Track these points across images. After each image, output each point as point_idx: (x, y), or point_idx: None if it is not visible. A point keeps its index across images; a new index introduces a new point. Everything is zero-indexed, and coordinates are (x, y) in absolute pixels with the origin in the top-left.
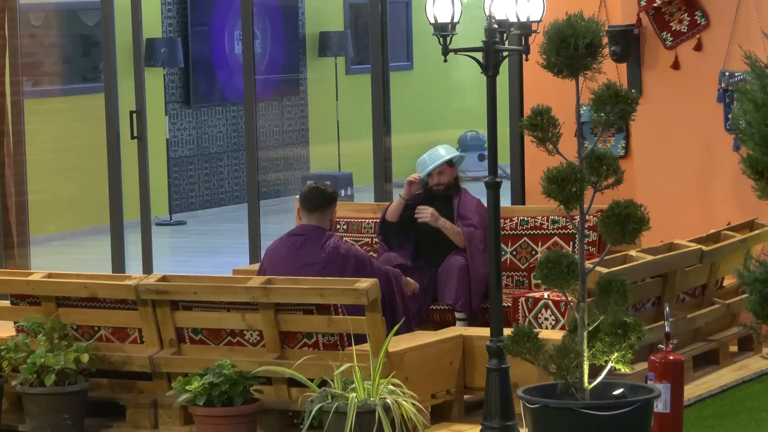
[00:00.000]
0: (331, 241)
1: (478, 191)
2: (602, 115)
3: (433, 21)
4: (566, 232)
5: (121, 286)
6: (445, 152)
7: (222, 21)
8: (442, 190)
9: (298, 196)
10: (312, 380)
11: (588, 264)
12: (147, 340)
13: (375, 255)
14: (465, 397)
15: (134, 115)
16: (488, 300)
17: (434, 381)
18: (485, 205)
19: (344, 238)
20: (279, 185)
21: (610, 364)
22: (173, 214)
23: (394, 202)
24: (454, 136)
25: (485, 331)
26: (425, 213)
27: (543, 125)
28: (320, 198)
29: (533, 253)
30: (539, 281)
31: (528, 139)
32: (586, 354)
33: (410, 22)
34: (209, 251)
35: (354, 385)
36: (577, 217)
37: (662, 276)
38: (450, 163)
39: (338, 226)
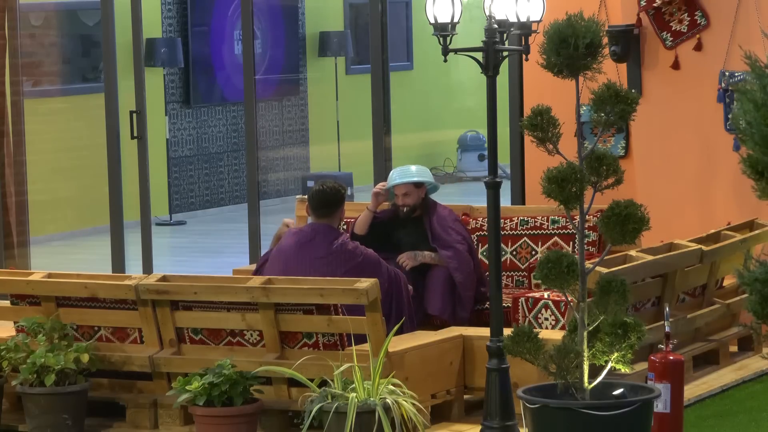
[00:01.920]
0: (341, 238)
1: (478, 191)
2: (602, 115)
3: (433, 21)
4: (566, 232)
5: (121, 286)
6: (416, 172)
7: (222, 21)
8: (406, 212)
9: (298, 196)
10: (312, 380)
11: (588, 264)
12: (147, 340)
13: None
14: (465, 397)
15: (134, 115)
16: (484, 303)
17: (434, 381)
18: (456, 215)
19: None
20: (279, 185)
21: (610, 364)
22: (173, 214)
23: (361, 215)
24: (454, 136)
25: (485, 331)
26: (404, 260)
27: (543, 125)
28: (328, 199)
29: (533, 253)
30: (539, 281)
31: (528, 139)
32: (586, 354)
33: (410, 22)
34: (209, 251)
35: (354, 385)
36: (577, 217)
37: (662, 276)
38: (417, 185)
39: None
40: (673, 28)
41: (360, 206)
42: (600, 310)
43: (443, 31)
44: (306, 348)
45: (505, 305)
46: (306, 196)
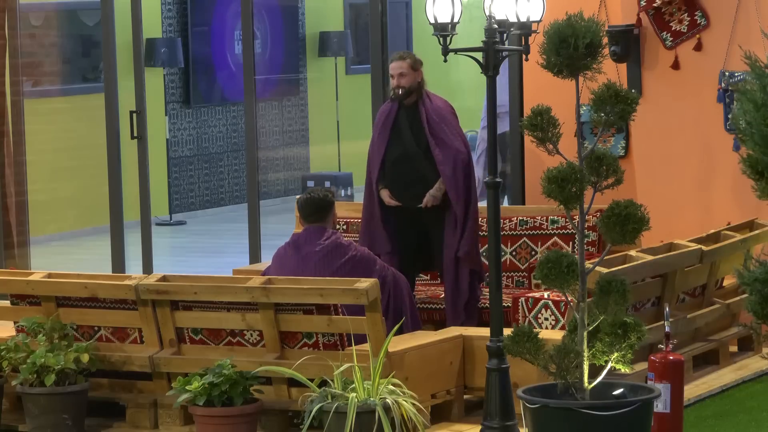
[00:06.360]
0: (334, 235)
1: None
2: (602, 115)
3: (433, 21)
4: (566, 232)
5: (121, 286)
6: None
7: (222, 21)
8: (402, 93)
9: (298, 196)
10: (312, 380)
11: (588, 264)
12: (147, 340)
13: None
14: (465, 397)
15: (134, 115)
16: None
17: (434, 381)
18: (452, 108)
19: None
20: (279, 185)
21: (610, 364)
22: (173, 214)
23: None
24: None
25: (485, 331)
26: (427, 201)
27: (543, 125)
28: (318, 205)
29: (533, 253)
30: (539, 281)
31: (528, 139)
32: (586, 354)
33: (410, 22)
34: (209, 251)
35: (354, 385)
36: (577, 217)
37: (662, 276)
38: (414, 67)
39: (338, 227)
40: (673, 28)
41: (360, 206)
42: (600, 310)
43: (443, 31)
44: (306, 348)
45: (505, 305)
46: None
